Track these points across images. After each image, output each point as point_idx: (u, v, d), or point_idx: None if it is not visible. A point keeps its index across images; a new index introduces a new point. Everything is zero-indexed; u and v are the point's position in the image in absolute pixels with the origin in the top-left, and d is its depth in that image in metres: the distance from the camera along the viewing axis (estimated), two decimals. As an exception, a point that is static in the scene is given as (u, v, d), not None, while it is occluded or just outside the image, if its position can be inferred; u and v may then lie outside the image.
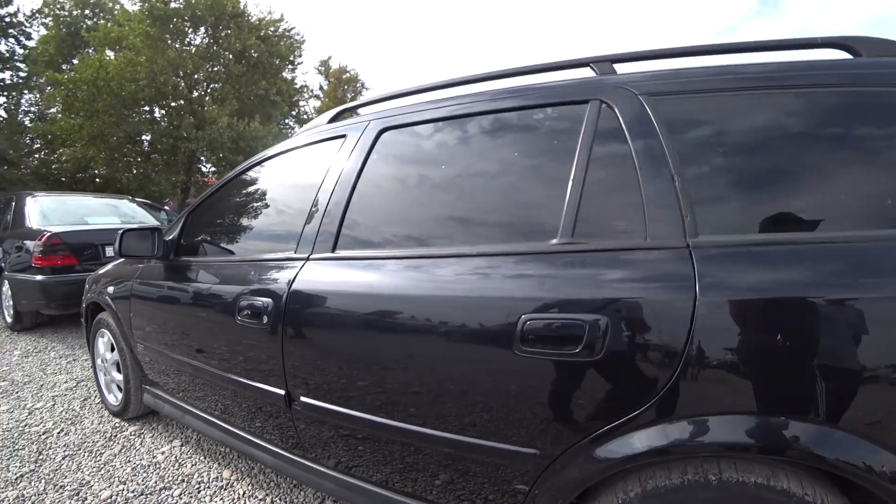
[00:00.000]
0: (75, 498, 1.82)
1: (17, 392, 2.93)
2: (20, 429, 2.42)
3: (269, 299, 1.37)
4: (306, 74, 45.08)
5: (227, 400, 1.68)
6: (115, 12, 20.13)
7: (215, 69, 20.28)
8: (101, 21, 20.33)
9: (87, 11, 21.69)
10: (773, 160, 0.93)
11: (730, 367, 0.82)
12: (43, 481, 1.94)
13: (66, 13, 21.22)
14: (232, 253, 1.83)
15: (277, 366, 1.37)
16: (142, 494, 1.83)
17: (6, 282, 4.26)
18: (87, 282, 2.63)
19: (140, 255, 1.90)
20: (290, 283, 1.34)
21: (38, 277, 3.82)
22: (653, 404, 0.86)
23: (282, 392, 1.38)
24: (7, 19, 17.59)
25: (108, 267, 2.50)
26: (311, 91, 31.81)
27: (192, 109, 18.71)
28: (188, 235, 1.94)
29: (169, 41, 18.80)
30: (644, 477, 0.90)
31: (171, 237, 1.93)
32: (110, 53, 17.77)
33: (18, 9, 18.21)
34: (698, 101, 1.03)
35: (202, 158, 19.40)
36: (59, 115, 17.73)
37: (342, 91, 34.49)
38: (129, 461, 2.07)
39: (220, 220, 1.98)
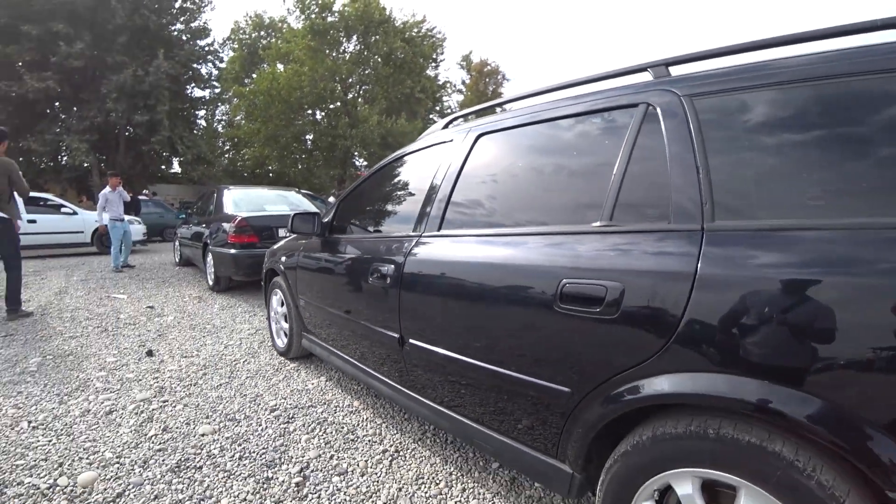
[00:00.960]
0: (252, 403, 2.64)
1: (216, 333, 4.09)
2: (219, 356, 3.45)
3: (392, 266, 1.90)
4: (448, 71, 47.67)
5: (359, 343, 2.29)
6: (283, 31, 24.04)
7: (366, 72, 22.95)
8: (273, 39, 24.50)
9: (262, 33, 26.38)
10: (792, 153, 1.04)
11: (717, 333, 0.98)
12: (233, 390, 2.83)
13: (247, 36, 26.08)
14: (368, 231, 2.46)
15: (395, 316, 1.90)
16: (295, 407, 2.57)
17: (210, 254, 5.75)
18: (266, 255, 3.58)
19: (304, 232, 2.64)
20: (407, 254, 1.86)
21: (232, 251, 5.14)
22: (654, 359, 1.07)
23: (396, 335, 1.90)
24: (206, 48, 22.39)
25: (281, 243, 3.39)
26: (454, 86, 33.57)
27: (346, 110, 21.52)
28: (339, 218, 2.63)
29: (326, 51, 21.77)
30: (656, 425, 1.11)
31: (326, 219, 2.63)
32: (280, 66, 21.37)
33: (214, 39, 23.05)
34: (733, 98, 1.15)
35: (356, 154, 22.15)
36: (243, 122, 21.94)
37: (483, 84, 35.61)
38: (289, 385, 2.88)
39: (362, 206, 2.62)
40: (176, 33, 21.14)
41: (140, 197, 13.35)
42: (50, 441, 2.24)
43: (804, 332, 0.90)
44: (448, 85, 30.82)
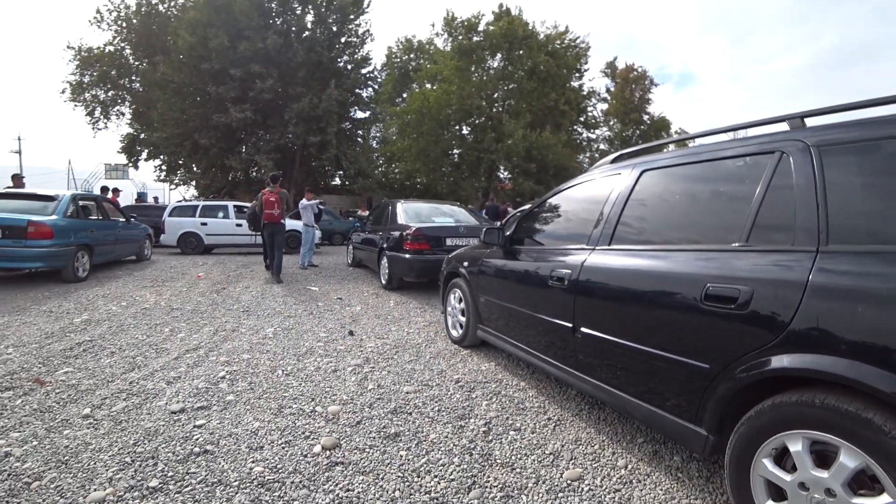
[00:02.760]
0: (439, 375, 3.47)
1: (397, 322, 5.15)
2: (404, 340, 4.43)
3: (569, 270, 2.54)
4: (592, 81, 46.93)
5: (531, 332, 2.97)
6: (431, 52, 26.32)
7: (510, 87, 24.08)
8: (422, 61, 26.97)
9: (411, 55, 29.24)
10: (887, 196, 1.43)
11: (821, 325, 1.37)
12: (421, 365, 3.72)
13: (398, 59, 29.13)
14: (544, 243, 3.14)
15: (569, 310, 2.52)
16: (474, 381, 3.34)
17: (385, 257, 7.01)
18: (445, 261, 4.49)
19: (491, 242, 3.44)
20: (583, 262, 2.47)
21: (407, 256, 6.29)
22: (774, 344, 1.48)
23: (570, 325, 2.52)
24: (367, 75, 25.74)
25: (460, 251, 4.27)
26: (599, 95, 33.16)
27: (492, 125, 22.85)
28: (517, 232, 3.37)
29: (472, 69, 23.33)
30: (776, 398, 1.49)
31: (508, 233, 3.40)
32: (428, 85, 23.52)
33: (375, 66, 26.38)
34: (847, 147, 1.53)
35: (500, 167, 23.36)
36: (395, 139, 24.61)
37: (629, 91, 34.57)
38: (466, 366, 3.68)
39: (539, 223, 3.31)
40: (342, 64, 24.77)
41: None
42: (300, 384, 3.30)
43: (882, 325, 1.27)
44: (593, 94, 30.57)
